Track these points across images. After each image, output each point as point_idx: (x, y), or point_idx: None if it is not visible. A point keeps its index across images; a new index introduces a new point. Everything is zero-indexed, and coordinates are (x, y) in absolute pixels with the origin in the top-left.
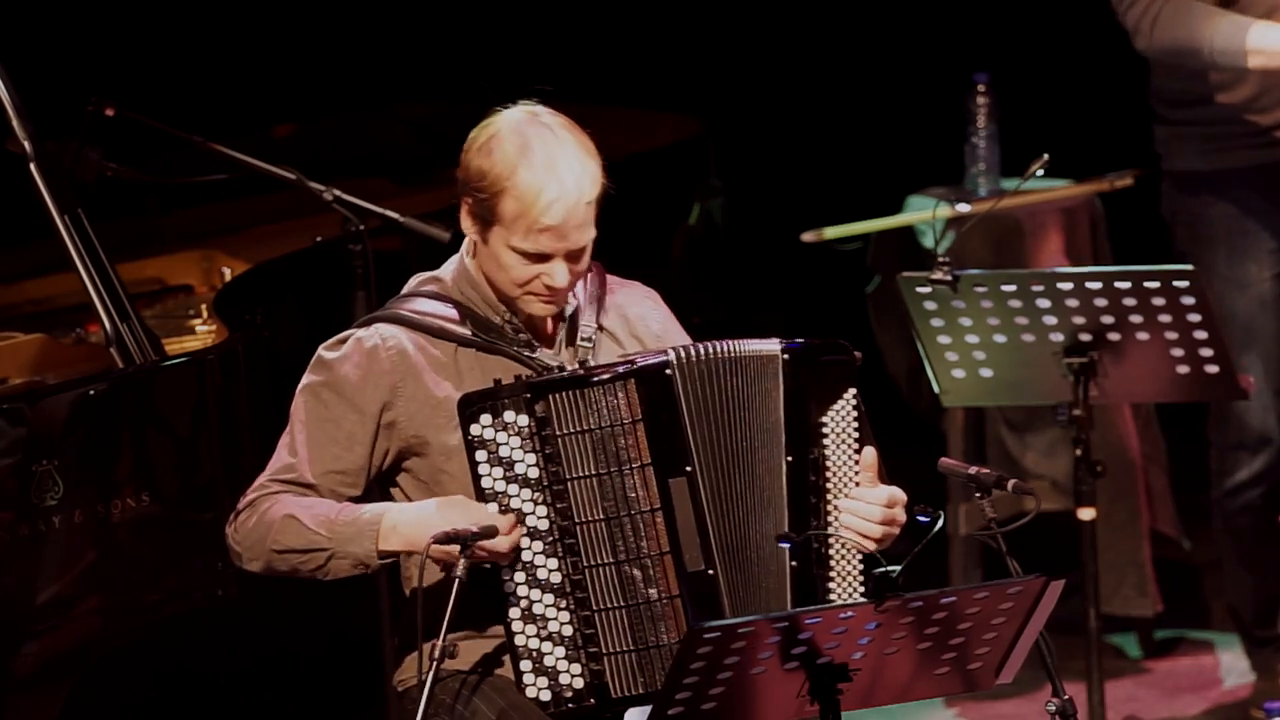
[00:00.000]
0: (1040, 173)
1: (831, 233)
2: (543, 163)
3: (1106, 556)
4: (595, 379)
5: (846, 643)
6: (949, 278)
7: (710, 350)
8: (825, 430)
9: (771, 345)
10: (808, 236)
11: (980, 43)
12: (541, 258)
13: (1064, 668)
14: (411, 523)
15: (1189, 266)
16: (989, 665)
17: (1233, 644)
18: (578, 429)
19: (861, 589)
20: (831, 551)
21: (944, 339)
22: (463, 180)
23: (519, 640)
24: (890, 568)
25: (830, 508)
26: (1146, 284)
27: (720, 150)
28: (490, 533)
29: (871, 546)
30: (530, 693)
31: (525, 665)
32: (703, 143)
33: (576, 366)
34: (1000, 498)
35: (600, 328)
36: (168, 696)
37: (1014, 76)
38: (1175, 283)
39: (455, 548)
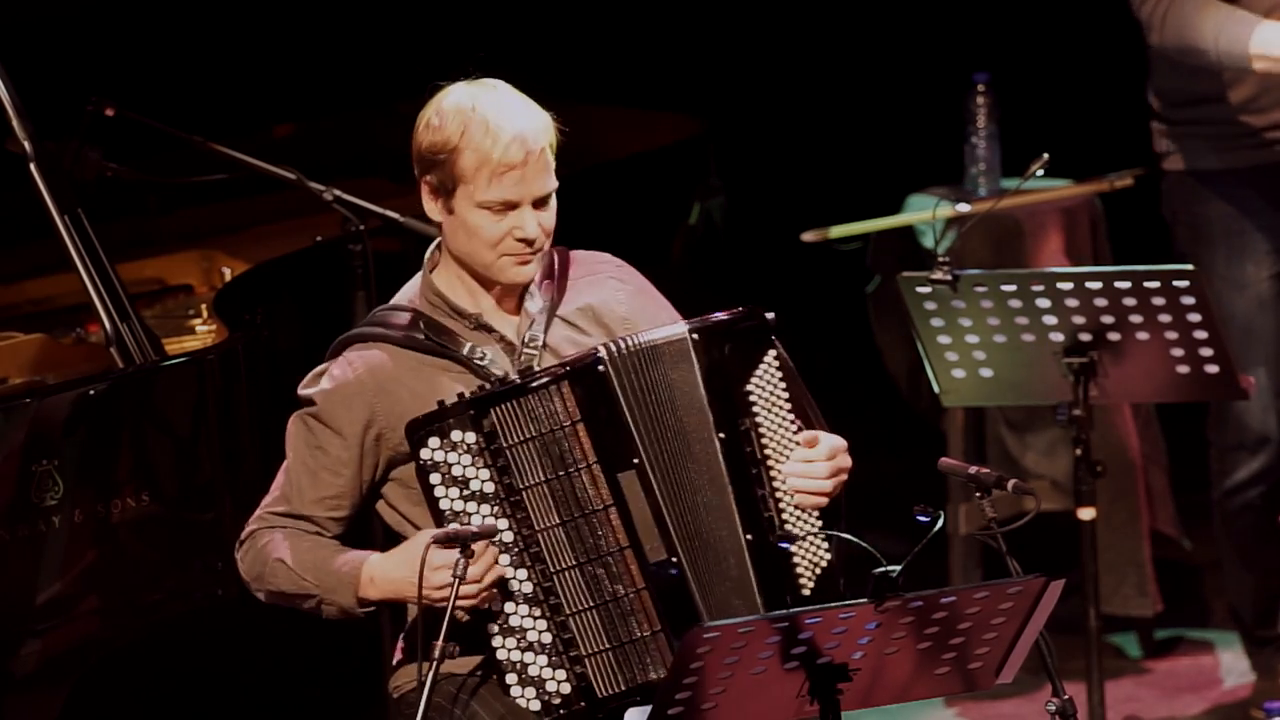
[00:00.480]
0: (1040, 173)
1: (836, 232)
2: (492, 112)
3: (1106, 556)
4: (532, 385)
5: (846, 643)
6: (949, 278)
7: (638, 341)
8: (753, 399)
9: (679, 328)
10: (809, 236)
11: (980, 43)
12: (508, 206)
13: (1064, 668)
14: (388, 573)
15: (1189, 266)
16: (989, 665)
17: (1233, 644)
18: (523, 438)
19: (826, 548)
20: (786, 516)
21: (944, 339)
22: (417, 162)
23: (500, 654)
24: (890, 568)
25: (774, 474)
26: (1146, 284)
27: (720, 150)
28: (490, 532)
29: (824, 502)
30: (521, 704)
31: (511, 678)
32: (703, 142)
33: (514, 376)
34: (1000, 498)
35: (563, 320)
36: (168, 696)
37: (1014, 76)
38: (1175, 283)
39: (452, 555)
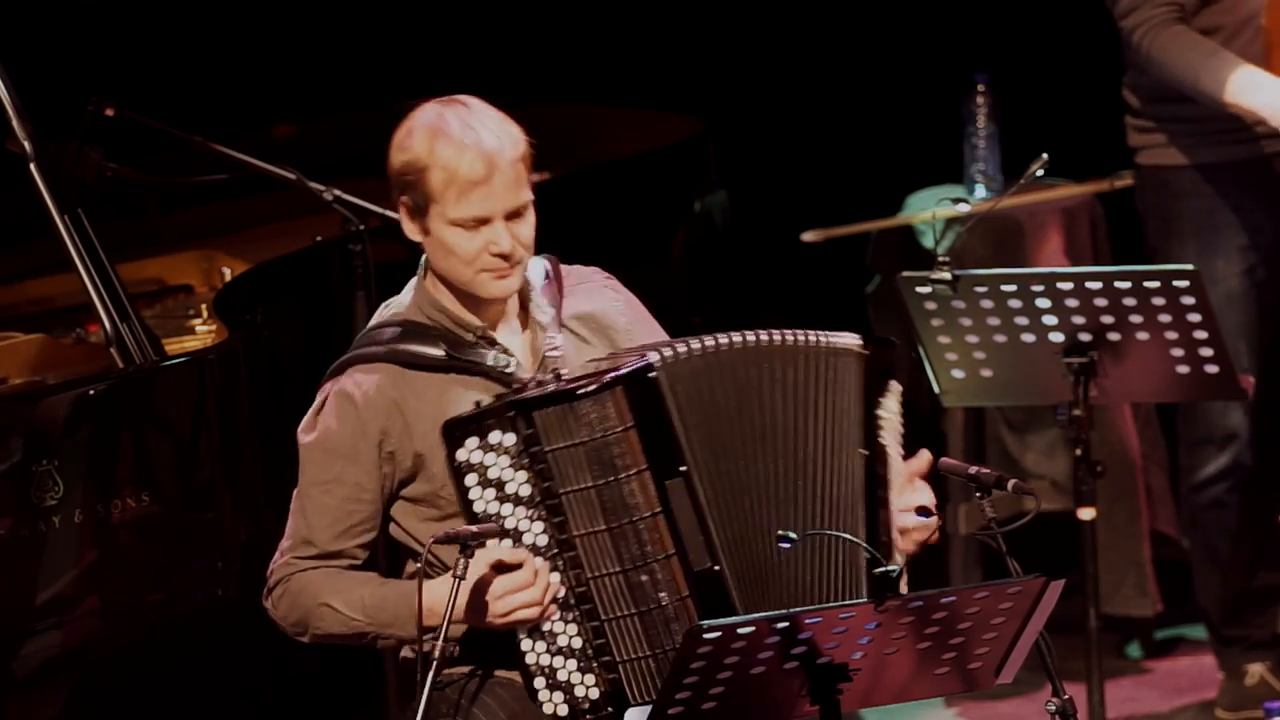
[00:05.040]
0: (1040, 173)
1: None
2: (458, 129)
3: (1106, 556)
4: (580, 391)
5: (846, 643)
6: (949, 278)
7: (694, 346)
8: (881, 423)
9: (851, 338)
10: (810, 236)
11: (980, 43)
12: (480, 222)
13: (1064, 668)
14: (443, 599)
15: (1189, 266)
16: (989, 665)
17: None
18: (568, 443)
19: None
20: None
21: (944, 339)
22: (393, 185)
23: (529, 659)
24: (890, 568)
25: (889, 502)
26: (1146, 284)
27: (721, 150)
28: (491, 532)
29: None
30: (547, 709)
31: (539, 682)
32: (703, 142)
33: (551, 378)
34: (1000, 498)
35: (563, 326)
36: (168, 696)
37: (1014, 76)
38: (1175, 282)
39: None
